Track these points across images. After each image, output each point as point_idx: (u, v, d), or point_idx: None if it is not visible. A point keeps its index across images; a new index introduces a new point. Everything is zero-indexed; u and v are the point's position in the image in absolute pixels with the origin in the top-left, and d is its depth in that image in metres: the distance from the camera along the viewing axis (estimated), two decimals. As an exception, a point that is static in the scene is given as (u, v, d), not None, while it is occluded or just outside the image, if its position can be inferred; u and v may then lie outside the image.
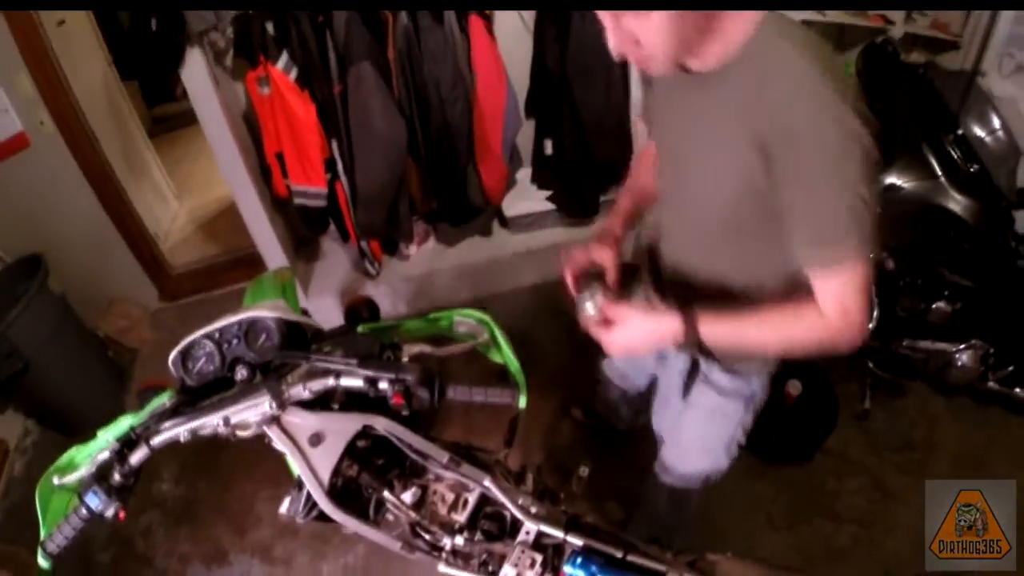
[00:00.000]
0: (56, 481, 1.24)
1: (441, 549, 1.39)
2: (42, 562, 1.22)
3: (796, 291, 1.11)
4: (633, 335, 1.23)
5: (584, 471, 2.36)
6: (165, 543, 2.65)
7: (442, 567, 1.37)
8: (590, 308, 1.28)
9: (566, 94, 2.73)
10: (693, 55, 1.05)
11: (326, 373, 1.26)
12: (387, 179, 2.75)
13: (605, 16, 1.00)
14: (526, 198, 3.13)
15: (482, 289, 3.30)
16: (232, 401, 1.25)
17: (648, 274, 1.56)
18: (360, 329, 1.39)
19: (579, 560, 1.24)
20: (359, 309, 1.46)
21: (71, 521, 1.19)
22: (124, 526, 2.66)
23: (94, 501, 1.17)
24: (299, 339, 1.39)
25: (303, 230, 3.25)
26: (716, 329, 1.15)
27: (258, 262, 3.28)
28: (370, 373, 1.19)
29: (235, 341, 1.34)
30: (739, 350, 1.24)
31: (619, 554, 1.26)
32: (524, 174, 3.07)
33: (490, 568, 1.39)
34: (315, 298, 3.23)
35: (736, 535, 2.26)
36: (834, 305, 1.05)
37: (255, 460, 2.65)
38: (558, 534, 1.33)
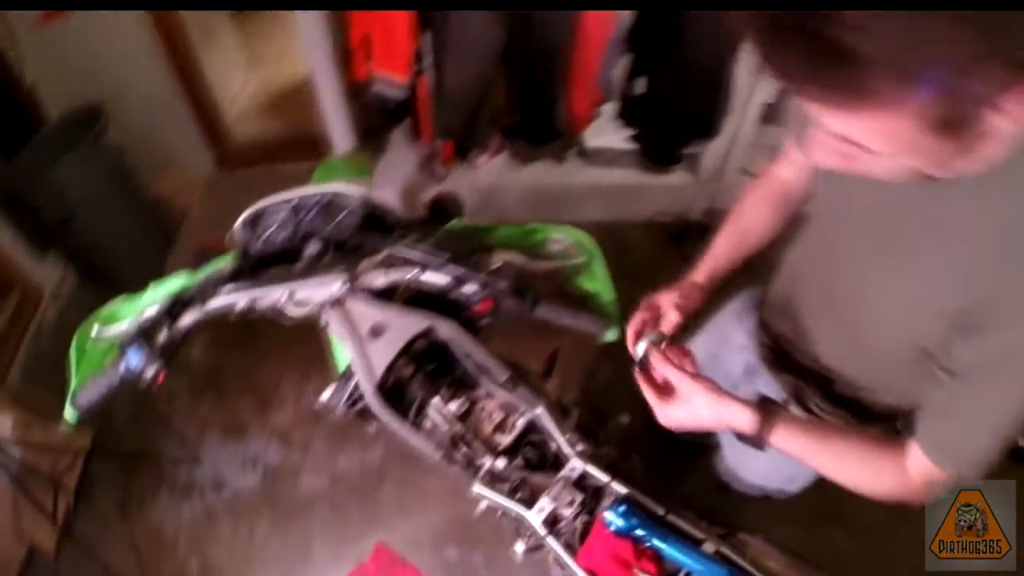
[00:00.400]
0: (95, 332, 1.18)
1: (478, 468, 1.35)
2: (69, 415, 1.15)
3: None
4: (692, 415, 1.04)
5: (625, 419, 2.33)
6: (186, 408, 2.69)
7: (476, 486, 1.33)
8: (647, 353, 1.12)
9: (674, 34, 2.53)
10: (949, 164, 0.70)
11: (408, 264, 1.18)
12: (474, 83, 2.63)
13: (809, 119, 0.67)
14: (608, 132, 2.99)
15: (545, 214, 3.13)
16: (301, 275, 1.19)
17: (760, 345, 1.35)
18: (450, 225, 1.30)
19: (622, 509, 1.18)
20: (445, 204, 1.37)
21: (107, 376, 1.12)
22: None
23: (136, 359, 1.10)
24: (378, 225, 1.31)
25: (375, 120, 3.14)
26: (789, 443, 0.99)
27: (320, 146, 3.20)
28: (460, 273, 1.11)
29: (313, 213, 1.27)
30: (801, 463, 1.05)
31: (661, 511, 1.21)
32: (610, 108, 2.92)
33: (519, 495, 1.34)
34: (376, 193, 3.10)
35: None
36: (921, 474, 0.88)
37: (289, 343, 2.63)
38: (603, 477, 1.28)
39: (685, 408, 1.04)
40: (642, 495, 1.25)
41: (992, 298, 0.74)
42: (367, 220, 1.28)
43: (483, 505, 1.39)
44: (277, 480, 2.52)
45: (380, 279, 1.17)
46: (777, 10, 0.56)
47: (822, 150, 0.70)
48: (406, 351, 1.29)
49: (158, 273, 1.25)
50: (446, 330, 1.25)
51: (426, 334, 1.26)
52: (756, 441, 1.00)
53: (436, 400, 1.40)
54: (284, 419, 2.59)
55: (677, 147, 2.90)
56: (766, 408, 0.99)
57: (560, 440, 1.34)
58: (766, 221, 1.21)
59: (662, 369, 1.06)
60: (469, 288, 1.12)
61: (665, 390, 1.07)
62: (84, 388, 1.13)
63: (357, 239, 1.26)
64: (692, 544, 1.15)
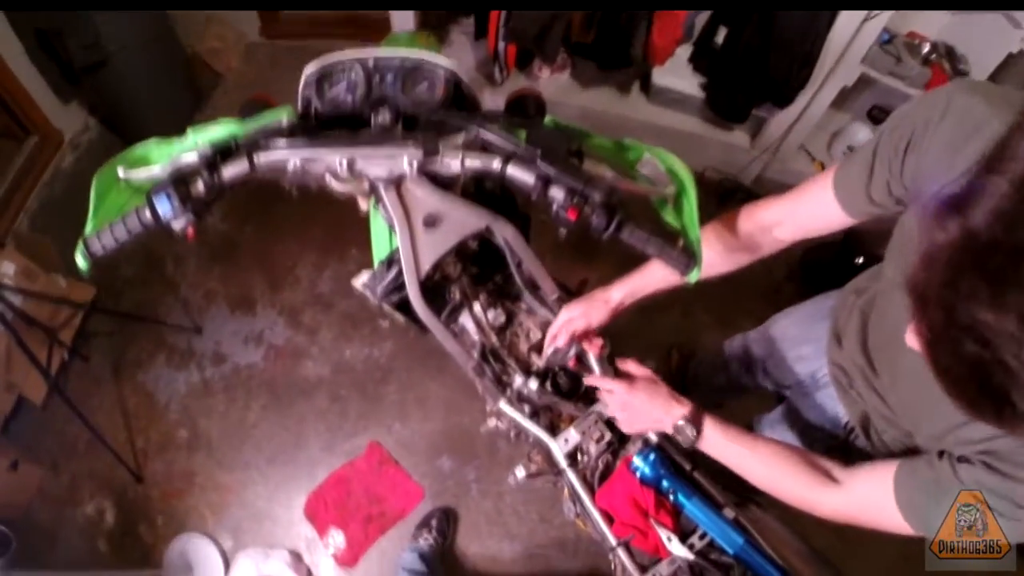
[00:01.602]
0: (121, 173, 1.04)
1: (507, 385, 1.30)
2: (80, 260, 1.02)
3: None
4: (644, 398, 1.12)
5: (676, 357, 2.26)
6: (195, 274, 2.61)
7: (503, 403, 1.28)
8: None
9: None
10: None
11: (490, 151, 1.07)
12: (554, -6, 2.42)
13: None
14: (679, 75, 2.82)
15: None
16: (368, 142, 1.07)
17: (832, 363, 1.28)
18: (546, 121, 1.16)
19: (652, 457, 1.16)
20: (526, 103, 1.25)
21: (128, 222, 0.98)
22: (157, 245, 2.62)
23: (165, 206, 0.96)
24: (459, 106, 1.19)
25: (440, 8, 2.95)
26: (718, 444, 1.09)
27: (374, 27, 2.96)
28: (552, 172, 0.98)
29: (390, 79, 1.14)
30: (726, 466, 1.11)
31: (688, 466, 1.19)
32: (685, 50, 2.74)
33: (542, 421, 1.30)
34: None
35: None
36: (861, 509, 0.96)
37: (310, 224, 2.55)
38: None
39: (639, 390, 1.12)
40: (671, 446, 1.21)
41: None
42: (449, 98, 1.16)
43: (491, 424, 1.36)
44: (279, 361, 2.47)
45: (456, 163, 1.05)
46: None
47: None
48: (457, 248, 1.20)
49: (184, 129, 1.11)
50: (506, 233, 1.16)
51: (482, 234, 1.18)
52: (688, 437, 1.08)
53: (476, 306, 1.33)
54: (295, 299, 2.52)
55: (746, 106, 2.73)
56: (700, 409, 1.09)
57: (599, 373, 1.29)
58: (716, 264, 1.15)
59: (630, 365, 1.18)
60: (556, 192, 0.99)
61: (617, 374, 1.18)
62: (101, 233, 1.00)
63: (436, 116, 1.13)
64: (714, 506, 1.13)
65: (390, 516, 2.26)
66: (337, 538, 2.28)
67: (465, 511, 2.26)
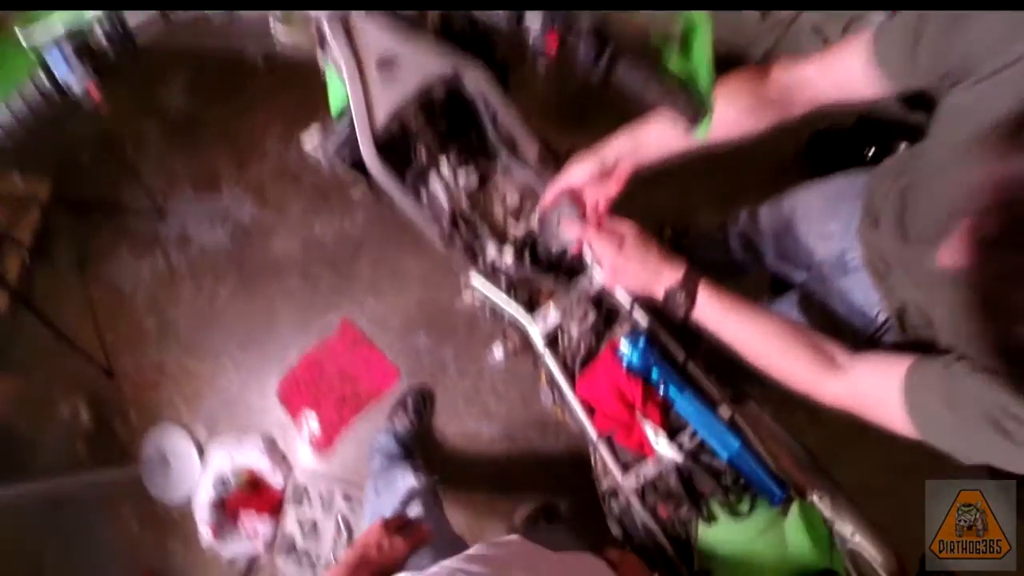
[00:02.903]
0: (21, 34, 0.89)
1: (479, 255, 1.19)
2: None
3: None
4: (634, 259, 1.00)
5: (668, 232, 2.08)
6: (156, 155, 2.44)
7: (473, 275, 1.17)
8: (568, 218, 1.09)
9: None
10: None
11: None
12: None
13: None
14: None
15: None
16: None
17: (866, 245, 1.12)
18: None
19: (641, 342, 1.04)
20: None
21: (25, 92, 0.90)
22: (116, 127, 2.46)
23: (60, 66, 0.85)
24: None
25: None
26: (713, 309, 0.97)
27: None
28: None
29: None
30: (719, 339, 1.00)
31: (681, 357, 1.08)
32: None
33: (520, 296, 1.18)
34: None
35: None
36: (863, 400, 0.88)
37: (276, 92, 2.34)
38: (626, 300, 1.12)
39: (628, 249, 1.00)
40: (665, 333, 1.09)
41: None
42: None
43: (467, 298, 1.26)
44: (246, 241, 2.32)
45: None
46: None
47: None
48: (420, 98, 1.07)
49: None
50: (476, 79, 1.05)
51: (449, 80, 1.06)
52: (679, 302, 0.97)
53: (442, 164, 1.20)
54: (261, 174, 2.35)
55: None
56: (695, 273, 0.98)
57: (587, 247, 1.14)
58: (739, 122, 1.01)
59: (616, 223, 1.05)
60: (532, 20, 0.81)
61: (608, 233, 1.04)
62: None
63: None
64: (708, 403, 1.03)
65: (364, 396, 2.15)
66: (311, 421, 2.18)
67: (442, 391, 2.13)
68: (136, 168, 2.43)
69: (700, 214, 2.23)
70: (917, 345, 0.98)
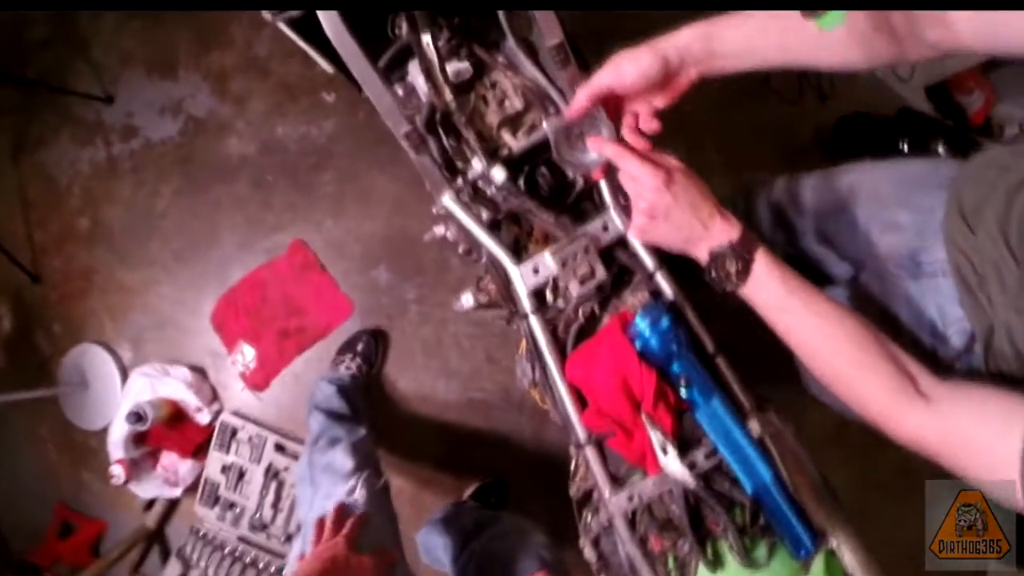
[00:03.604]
0: None
1: (458, 171, 0.93)
2: None
3: None
4: (682, 200, 0.78)
5: None
6: (112, 32, 2.12)
7: (447, 197, 0.91)
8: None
9: None
10: None
11: None
12: None
13: None
14: None
15: None
16: None
17: (952, 245, 0.92)
18: None
19: (664, 320, 0.80)
20: None
21: None
22: None
23: None
24: None
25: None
26: (770, 292, 0.77)
27: None
28: None
29: None
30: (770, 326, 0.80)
31: (711, 347, 0.86)
32: None
33: (505, 236, 0.93)
34: None
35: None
36: (954, 444, 0.68)
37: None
38: (649, 260, 0.88)
39: (676, 192, 0.78)
40: (694, 312, 0.86)
41: None
42: None
43: (437, 231, 1.01)
44: (198, 136, 2.00)
45: None
46: None
47: None
48: None
49: None
50: None
51: None
52: (726, 270, 0.78)
53: (427, 41, 0.92)
54: (224, 64, 2.02)
55: None
56: (752, 236, 0.78)
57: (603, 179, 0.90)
58: (842, 44, 0.76)
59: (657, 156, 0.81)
60: None
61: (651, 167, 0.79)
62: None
63: None
64: (737, 415, 0.81)
65: (311, 332, 1.84)
66: (247, 354, 1.89)
67: (399, 335, 1.84)
68: (88, 45, 2.11)
69: (709, 178, 1.91)
70: (994, 379, 0.84)
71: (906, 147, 1.95)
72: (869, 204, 1.10)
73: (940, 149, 1.89)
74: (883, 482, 1.65)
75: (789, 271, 0.78)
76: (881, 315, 1.04)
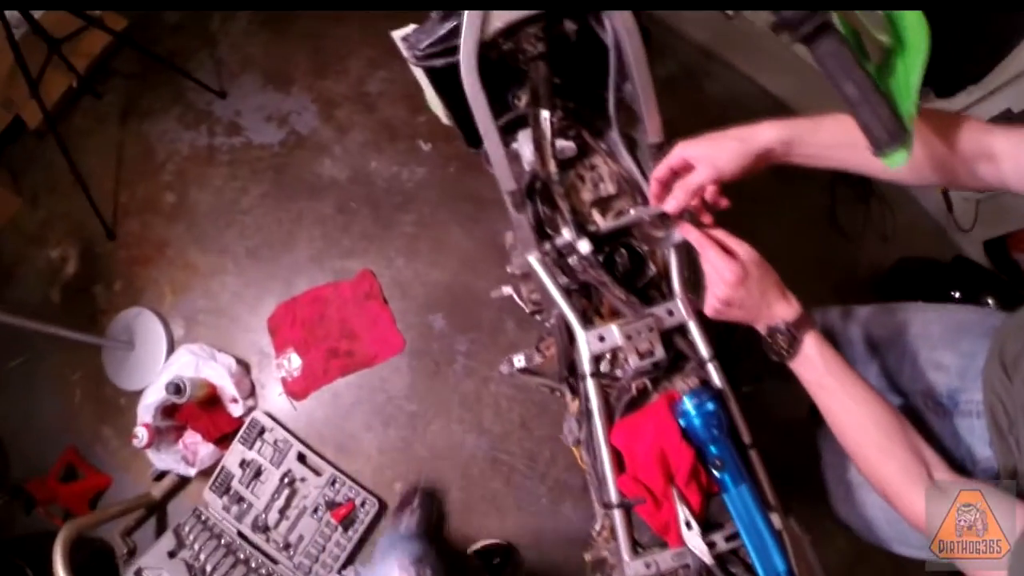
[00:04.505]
0: None
1: (547, 237, 1.01)
2: None
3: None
4: (754, 291, 0.87)
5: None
6: (239, 35, 2.30)
7: (534, 256, 0.99)
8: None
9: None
10: None
11: None
12: None
13: None
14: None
15: (723, 45, 2.31)
16: None
17: (992, 392, 0.98)
18: None
19: (710, 405, 0.87)
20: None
21: None
22: None
23: None
24: None
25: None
26: (814, 370, 0.86)
27: None
28: None
29: None
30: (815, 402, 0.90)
31: (748, 439, 0.92)
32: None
33: (574, 306, 0.99)
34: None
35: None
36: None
37: (379, 14, 2.14)
38: (705, 349, 0.96)
39: (751, 271, 0.87)
40: (736, 403, 0.93)
41: None
42: None
43: (505, 290, 1.14)
44: (296, 150, 2.12)
45: None
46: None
47: None
48: (545, 20, 0.94)
49: None
50: (622, 25, 0.91)
51: (587, 12, 0.92)
52: (780, 344, 0.87)
53: (543, 115, 1.00)
54: (335, 92, 2.15)
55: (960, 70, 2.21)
56: (809, 318, 0.88)
57: (675, 269, 0.98)
58: (917, 171, 0.87)
59: (732, 240, 0.90)
60: None
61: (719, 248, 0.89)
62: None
63: None
64: (763, 506, 0.86)
65: (358, 358, 1.92)
66: (294, 362, 1.97)
67: (442, 383, 1.91)
68: (215, 41, 2.27)
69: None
70: None
71: (958, 295, 2.03)
72: (918, 341, 1.17)
73: (990, 301, 1.96)
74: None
75: (834, 355, 0.87)
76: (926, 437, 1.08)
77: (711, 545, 0.84)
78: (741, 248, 0.89)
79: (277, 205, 2.08)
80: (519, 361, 1.07)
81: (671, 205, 0.93)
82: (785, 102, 2.28)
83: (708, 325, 0.96)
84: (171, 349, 2.08)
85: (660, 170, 0.93)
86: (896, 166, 0.70)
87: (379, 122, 2.08)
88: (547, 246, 0.99)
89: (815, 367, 0.86)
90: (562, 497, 1.81)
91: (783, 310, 0.87)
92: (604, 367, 0.96)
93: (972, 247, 2.17)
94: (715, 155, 0.89)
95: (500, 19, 0.90)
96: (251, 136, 2.17)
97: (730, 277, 0.85)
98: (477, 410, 1.89)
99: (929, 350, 1.14)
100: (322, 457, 1.88)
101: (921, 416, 1.10)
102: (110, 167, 2.27)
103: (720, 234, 0.91)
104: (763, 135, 0.88)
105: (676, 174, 0.93)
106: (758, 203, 1.79)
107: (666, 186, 0.94)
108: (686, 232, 0.92)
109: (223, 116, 2.22)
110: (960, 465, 1.01)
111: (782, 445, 0.92)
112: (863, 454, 0.85)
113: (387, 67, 2.10)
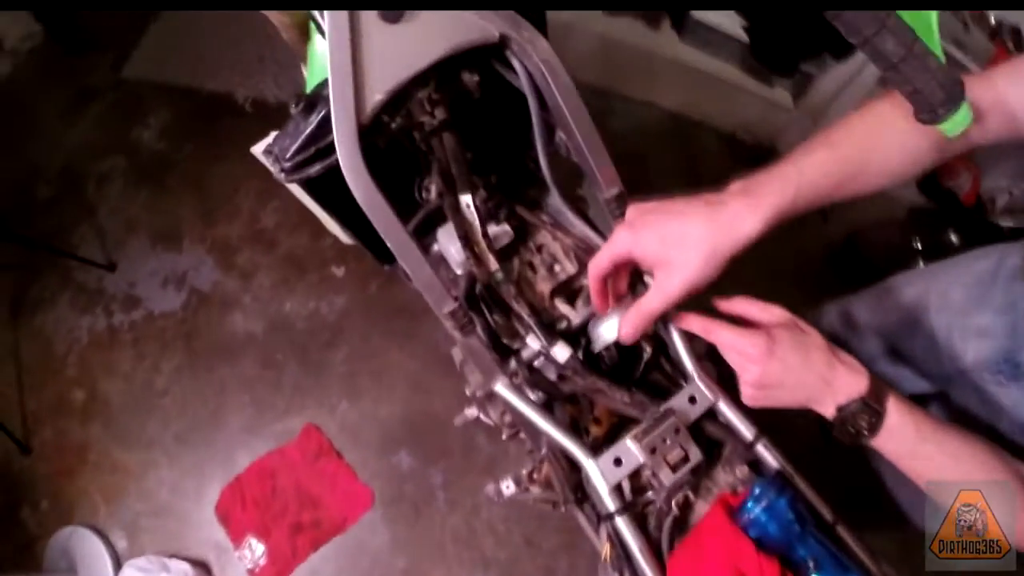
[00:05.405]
0: None
1: (510, 352, 0.81)
2: None
3: None
4: (793, 356, 0.69)
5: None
6: (118, 199, 2.10)
7: (498, 385, 0.77)
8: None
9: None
10: None
11: None
12: None
13: None
14: (720, 14, 2.25)
15: (612, 79, 2.41)
16: None
17: None
18: None
19: (779, 503, 0.67)
20: None
21: None
22: (80, 162, 2.20)
23: None
24: None
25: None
26: (905, 440, 0.69)
27: None
28: None
29: None
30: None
31: (829, 516, 0.74)
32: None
33: (559, 415, 0.81)
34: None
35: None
36: None
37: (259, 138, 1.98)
38: (746, 429, 0.77)
39: (789, 347, 0.69)
40: (802, 480, 0.75)
41: None
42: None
43: (471, 413, 0.93)
44: (202, 311, 1.92)
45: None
46: None
47: None
48: (442, 79, 0.76)
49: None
50: (540, 57, 0.75)
51: (492, 53, 0.75)
52: (856, 426, 0.68)
53: (463, 202, 0.81)
54: (230, 236, 1.96)
55: (796, 55, 2.20)
56: (879, 382, 0.70)
57: (681, 346, 0.78)
58: (912, 153, 0.72)
59: (765, 311, 0.73)
60: None
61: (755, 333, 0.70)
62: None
63: None
64: None
65: (327, 527, 1.69)
66: (256, 550, 1.73)
67: (427, 526, 1.69)
68: (94, 209, 2.07)
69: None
70: None
71: (919, 245, 1.98)
72: (942, 314, 1.04)
73: (953, 238, 1.92)
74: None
75: (920, 414, 0.71)
76: (991, 432, 0.96)
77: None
78: (764, 312, 0.73)
79: (195, 377, 1.87)
80: (507, 488, 0.87)
81: (627, 332, 0.72)
82: (687, 114, 2.28)
83: (737, 396, 0.75)
84: (117, 566, 1.83)
85: (601, 263, 0.71)
86: (958, 129, 0.59)
87: (283, 258, 1.89)
88: (512, 365, 0.79)
89: (905, 438, 0.70)
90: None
91: (847, 380, 0.69)
92: (627, 492, 0.74)
93: (907, 192, 2.13)
94: (676, 260, 0.67)
95: (378, 90, 0.70)
96: (150, 306, 1.97)
97: (754, 352, 0.68)
98: (474, 543, 1.68)
99: (962, 317, 1.01)
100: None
101: (980, 394, 0.97)
102: (10, 374, 2.05)
103: (730, 305, 0.75)
104: (744, 227, 0.68)
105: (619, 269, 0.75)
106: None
107: (608, 284, 0.75)
108: (683, 324, 0.75)
109: (117, 291, 2.01)
110: None
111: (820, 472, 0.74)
112: None
113: (277, 195, 1.93)
